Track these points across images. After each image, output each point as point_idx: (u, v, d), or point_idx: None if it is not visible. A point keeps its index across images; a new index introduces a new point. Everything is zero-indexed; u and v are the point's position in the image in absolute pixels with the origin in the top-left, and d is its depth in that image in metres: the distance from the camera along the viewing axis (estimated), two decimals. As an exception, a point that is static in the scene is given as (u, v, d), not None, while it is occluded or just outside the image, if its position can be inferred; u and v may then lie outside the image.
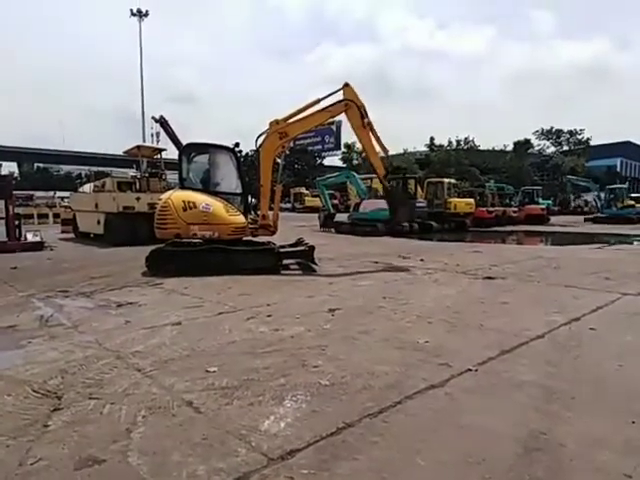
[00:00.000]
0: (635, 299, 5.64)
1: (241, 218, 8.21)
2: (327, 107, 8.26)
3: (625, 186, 31.07)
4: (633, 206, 28.40)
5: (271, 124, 8.21)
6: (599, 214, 28.28)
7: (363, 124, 8.18)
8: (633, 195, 40.15)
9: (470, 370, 3.23)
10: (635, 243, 15.37)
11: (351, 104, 8.13)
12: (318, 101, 8.26)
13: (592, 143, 57.15)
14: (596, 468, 2.05)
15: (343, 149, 63.61)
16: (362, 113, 8.16)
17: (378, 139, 8.49)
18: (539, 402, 2.73)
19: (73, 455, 2.14)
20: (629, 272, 7.78)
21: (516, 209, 26.52)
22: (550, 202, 31.25)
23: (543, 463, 2.09)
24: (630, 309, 5.15)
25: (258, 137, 8.31)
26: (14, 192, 13.96)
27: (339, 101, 8.23)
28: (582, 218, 29.03)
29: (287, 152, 8.86)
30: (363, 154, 61.19)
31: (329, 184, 23.11)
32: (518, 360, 3.46)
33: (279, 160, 8.92)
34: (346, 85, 8.17)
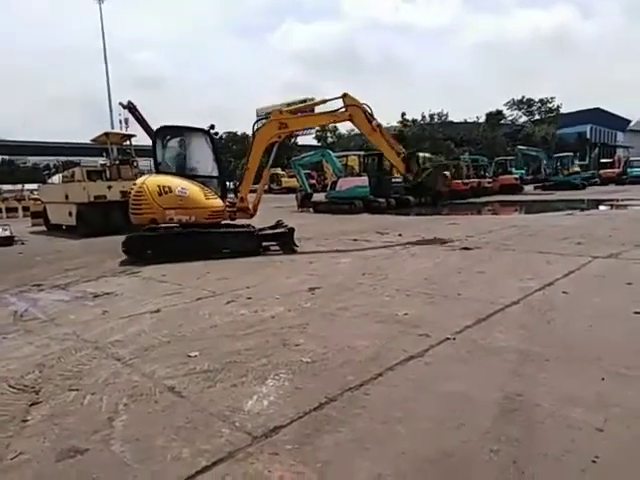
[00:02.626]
0: (605, 262, 5.82)
1: (218, 201, 8.10)
2: (333, 111, 8.14)
3: (571, 154, 32.10)
4: (578, 173, 29.68)
5: (274, 112, 8.14)
6: (546, 182, 29.21)
7: (373, 128, 8.03)
8: (603, 161, 41.18)
9: (448, 339, 3.30)
10: (602, 208, 15.79)
11: (355, 110, 7.95)
12: (325, 101, 8.19)
13: (562, 111, 57.87)
14: (569, 425, 2.14)
15: (317, 127, 62.99)
16: (368, 117, 8.01)
17: (389, 139, 8.39)
18: (515, 366, 2.82)
19: (54, 447, 2.12)
20: (599, 236, 8.01)
21: (490, 180, 26.85)
22: (523, 172, 31.65)
23: (519, 423, 2.17)
24: (600, 272, 5.32)
25: (256, 122, 8.28)
26: (-21, 186, 13.45)
27: (344, 110, 8.02)
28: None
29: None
30: (337, 132, 60.78)
31: (305, 164, 22.92)
32: (494, 327, 3.55)
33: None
34: (344, 95, 7.97)
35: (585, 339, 3.25)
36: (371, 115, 8.02)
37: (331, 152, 20.82)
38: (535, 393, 2.45)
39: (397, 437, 2.12)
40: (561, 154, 31.46)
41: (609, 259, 5.95)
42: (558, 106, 57.17)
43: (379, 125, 8.04)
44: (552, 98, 57.03)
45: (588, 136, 63.18)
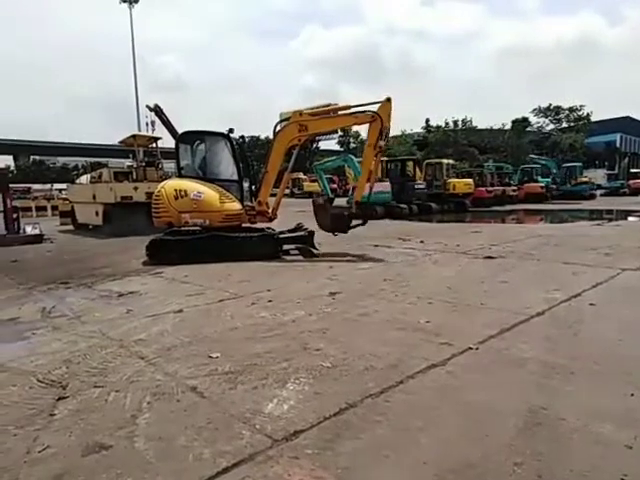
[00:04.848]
0: (634, 274, 5.66)
1: (236, 205, 8.15)
2: (354, 112, 7.96)
3: (580, 164, 31.67)
4: (586, 183, 29.43)
5: (294, 114, 8.02)
6: (555, 191, 28.75)
7: (376, 144, 7.73)
8: (633, 171, 40.14)
9: (471, 349, 3.25)
10: (632, 219, 15.35)
11: (377, 119, 7.67)
12: (349, 107, 8.03)
13: (591, 119, 56.46)
14: (596, 440, 2.08)
15: (339, 133, 63.02)
16: (382, 134, 7.70)
17: (377, 164, 8.19)
18: (539, 378, 2.76)
19: (80, 442, 2.17)
20: (629, 247, 7.79)
21: (515, 188, 26.39)
22: (549, 180, 30.98)
23: (544, 437, 2.12)
24: (630, 284, 5.18)
25: (277, 124, 8.18)
26: (11, 185, 13.90)
27: (370, 111, 7.81)
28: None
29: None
30: (360, 137, 60.71)
31: (326, 168, 22.92)
32: (518, 337, 3.48)
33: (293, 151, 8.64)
34: (388, 100, 7.69)
35: (613, 353, 3.15)
36: (386, 135, 7.79)
37: (353, 157, 20.78)
38: (560, 406, 2.39)
39: (418, 446, 2.10)
40: (569, 164, 31.13)
41: (639, 272, 5.78)
42: (588, 114, 55.64)
43: (381, 147, 7.79)
44: (582, 106, 55.52)
45: (618, 145, 61.65)
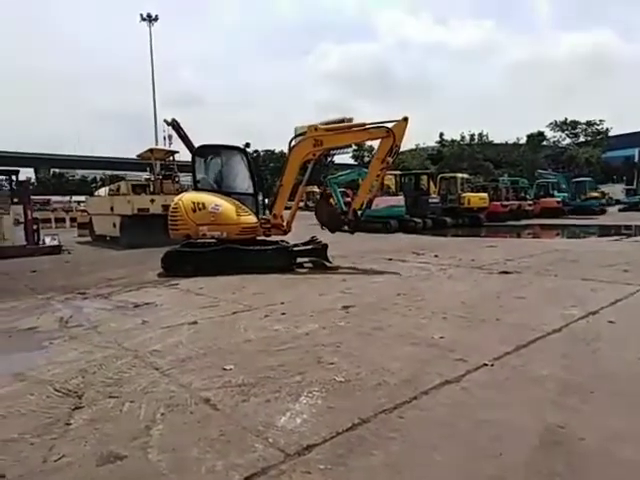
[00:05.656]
0: (655, 291, 5.53)
1: (251, 218, 8.24)
2: (369, 128, 8.02)
3: (589, 179, 31.35)
4: (597, 198, 29.21)
5: (310, 129, 8.10)
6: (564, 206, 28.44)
7: (384, 159, 7.84)
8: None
9: (486, 365, 3.21)
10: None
11: (391, 136, 7.73)
12: (364, 124, 8.14)
13: (609, 134, 55.62)
14: (616, 462, 2.03)
15: (354, 147, 63.27)
16: (392, 151, 7.80)
17: (382, 179, 8.64)
18: (556, 396, 2.71)
19: (95, 452, 2.19)
20: (648, 264, 7.63)
21: (531, 203, 26.12)
22: (566, 195, 30.57)
23: (562, 457, 2.08)
24: (650, 301, 5.06)
25: (292, 138, 8.29)
26: (32, 197, 14.23)
27: (384, 127, 7.87)
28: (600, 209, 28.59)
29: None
30: (374, 151, 60.92)
31: (340, 182, 23.04)
32: (535, 354, 3.43)
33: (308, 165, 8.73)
34: (405, 119, 7.78)
35: (632, 372, 3.08)
36: (395, 153, 7.88)
37: (367, 171, 20.84)
38: (579, 426, 2.34)
39: (432, 463, 2.07)
40: (579, 179, 30.85)
41: (659, 288, 5.66)
42: (607, 129, 54.80)
43: (388, 163, 7.91)
44: (601, 121, 54.68)
45: (636, 160, 60.73)
